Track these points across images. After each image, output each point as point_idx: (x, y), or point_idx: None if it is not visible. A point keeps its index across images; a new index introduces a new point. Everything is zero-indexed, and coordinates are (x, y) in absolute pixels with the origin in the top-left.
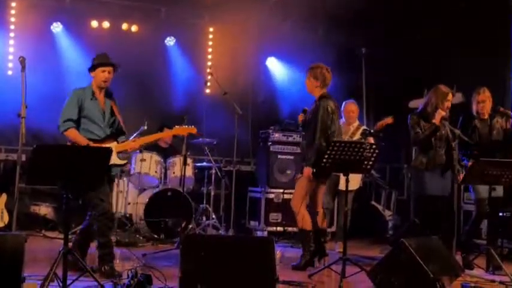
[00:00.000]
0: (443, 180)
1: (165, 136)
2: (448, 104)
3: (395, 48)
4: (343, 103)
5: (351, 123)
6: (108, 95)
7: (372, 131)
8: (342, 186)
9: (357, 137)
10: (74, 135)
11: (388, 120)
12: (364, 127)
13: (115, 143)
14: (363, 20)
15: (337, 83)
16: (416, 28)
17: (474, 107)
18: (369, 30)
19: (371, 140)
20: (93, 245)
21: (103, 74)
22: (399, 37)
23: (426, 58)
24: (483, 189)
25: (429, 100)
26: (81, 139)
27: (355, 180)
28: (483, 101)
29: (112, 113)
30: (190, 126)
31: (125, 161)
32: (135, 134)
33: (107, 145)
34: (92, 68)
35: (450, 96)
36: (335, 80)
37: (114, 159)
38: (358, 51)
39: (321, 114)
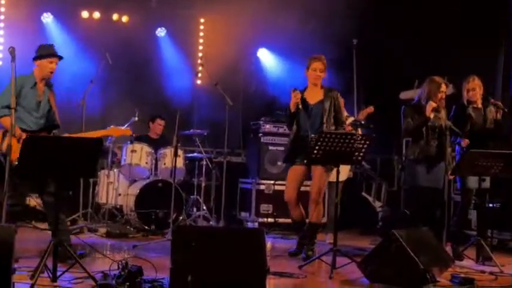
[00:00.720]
0: (436, 173)
1: (94, 136)
2: (441, 95)
3: (387, 41)
4: None
5: None
6: (49, 85)
7: (362, 122)
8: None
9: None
10: (8, 123)
11: (369, 109)
12: (354, 118)
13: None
14: (355, 12)
15: (329, 75)
16: (409, 20)
17: (465, 96)
18: (361, 22)
19: (359, 131)
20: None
21: (51, 66)
22: (392, 29)
23: (418, 50)
24: (471, 180)
25: (423, 92)
26: (15, 128)
27: (343, 172)
28: (473, 89)
29: (49, 105)
30: (126, 128)
31: None
32: (126, 125)
33: None
34: (39, 58)
35: (443, 87)
36: (326, 71)
37: None
38: (349, 43)
39: (342, 104)
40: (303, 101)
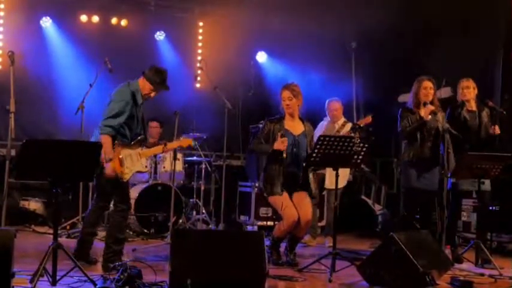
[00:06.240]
0: (430, 175)
1: (174, 146)
2: (425, 92)
3: (386, 43)
4: (327, 101)
5: (335, 121)
6: None
7: (362, 125)
8: (327, 185)
9: (344, 133)
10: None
11: (367, 119)
12: (354, 122)
13: None
14: (354, 14)
15: (328, 78)
16: (408, 22)
17: (459, 97)
18: (360, 24)
19: (358, 134)
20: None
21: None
22: (390, 32)
23: (417, 53)
24: (463, 183)
25: (412, 92)
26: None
27: (342, 177)
28: (467, 87)
29: None
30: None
31: None
32: None
33: None
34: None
35: (426, 83)
36: (325, 75)
37: None
38: (348, 46)
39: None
40: (287, 132)
